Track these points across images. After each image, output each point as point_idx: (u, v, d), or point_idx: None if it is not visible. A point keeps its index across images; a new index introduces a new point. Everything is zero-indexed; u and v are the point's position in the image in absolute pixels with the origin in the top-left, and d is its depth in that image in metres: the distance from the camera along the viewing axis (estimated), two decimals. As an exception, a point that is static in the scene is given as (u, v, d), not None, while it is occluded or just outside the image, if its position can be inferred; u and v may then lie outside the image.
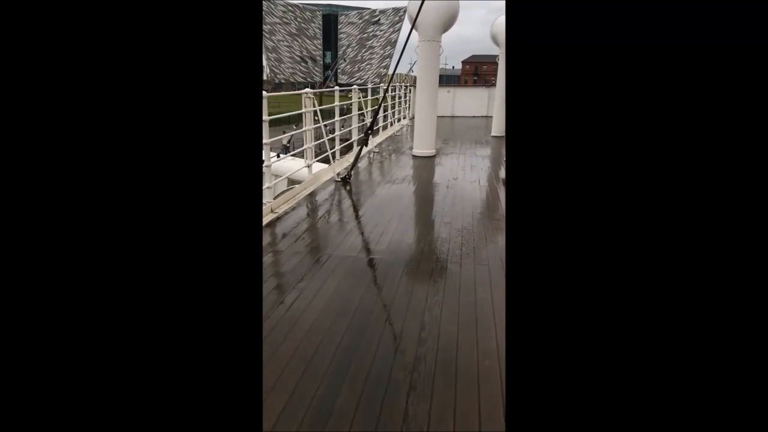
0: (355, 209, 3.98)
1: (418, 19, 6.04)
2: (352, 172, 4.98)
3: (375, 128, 9.02)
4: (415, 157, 6.49)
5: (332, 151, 5.92)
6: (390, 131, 9.61)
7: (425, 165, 5.96)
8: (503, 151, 7.22)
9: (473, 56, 66.52)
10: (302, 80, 53.49)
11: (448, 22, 6.07)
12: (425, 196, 4.38)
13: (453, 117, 13.85)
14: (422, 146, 6.55)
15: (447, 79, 60.98)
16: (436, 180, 5.07)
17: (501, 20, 8.49)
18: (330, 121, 5.86)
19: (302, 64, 55.68)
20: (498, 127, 9.11)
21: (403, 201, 4.15)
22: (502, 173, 5.38)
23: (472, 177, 5.20)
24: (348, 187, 4.69)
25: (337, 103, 5.83)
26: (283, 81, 52.07)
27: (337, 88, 6.41)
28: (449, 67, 70.22)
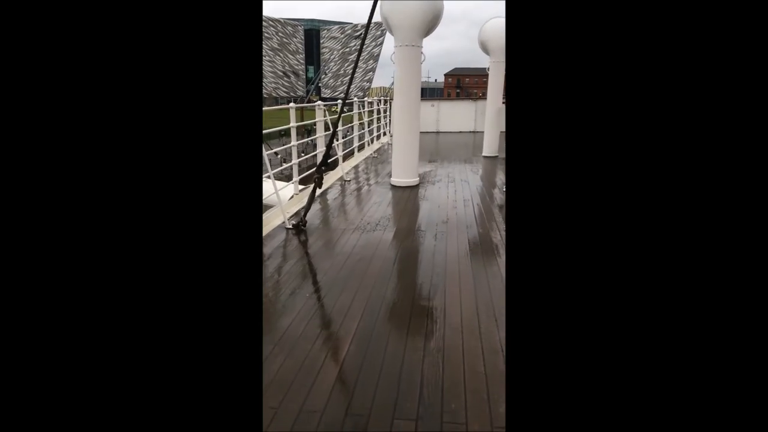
0: (311, 278, 2.76)
1: (394, 22, 4.94)
2: (306, 217, 3.74)
3: (350, 148, 7.92)
4: (394, 187, 5.33)
5: (294, 181, 4.73)
6: (368, 151, 8.47)
7: (406, 199, 4.79)
8: (502, 176, 6.08)
9: (456, 69, 66.60)
10: (285, 95, 52.59)
11: (431, 24, 4.97)
12: (406, 255, 3.15)
13: (438, 133, 12.79)
14: (402, 173, 5.38)
15: (430, 92, 60.75)
16: (420, 224, 3.87)
17: (490, 25, 7.46)
18: (294, 143, 4.74)
19: (285, 78, 54.89)
20: (490, 145, 7.99)
21: (374, 265, 2.92)
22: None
23: (467, 218, 4.02)
24: (302, 238, 3.48)
25: (293, 123, 4.65)
26: (266, 96, 51.11)
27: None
28: (432, 79, 70.23)
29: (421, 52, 5.07)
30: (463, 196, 4.86)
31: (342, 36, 62.74)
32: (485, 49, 7.64)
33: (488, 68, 7.74)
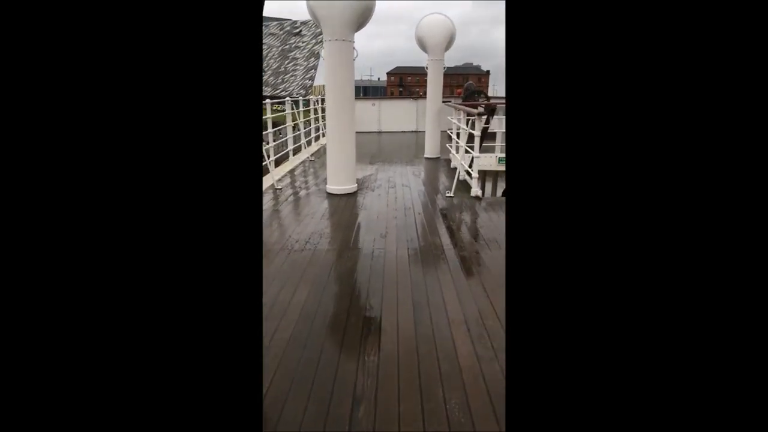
0: None
1: (322, 15, 4.49)
2: None
3: (285, 150, 7.34)
4: (330, 195, 4.89)
5: None
6: (305, 154, 7.95)
7: (342, 209, 4.37)
8: (444, 180, 5.82)
9: (398, 67, 67.00)
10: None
11: (362, 18, 4.59)
12: (338, 279, 2.75)
13: (380, 132, 12.48)
14: (339, 180, 4.96)
15: (374, 91, 60.62)
16: (356, 240, 3.48)
17: (426, 21, 7.21)
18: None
19: (220, 76, 52.15)
20: (432, 146, 7.75)
21: (299, 295, 2.49)
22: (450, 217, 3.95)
23: (408, 230, 3.68)
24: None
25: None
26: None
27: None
28: (375, 78, 70.24)
29: (354, 48, 4.67)
30: (404, 204, 4.52)
31: (281, 33, 60.75)
32: (422, 46, 7.38)
33: (426, 67, 7.49)
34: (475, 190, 4.83)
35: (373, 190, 5.18)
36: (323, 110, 9.92)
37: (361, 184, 5.49)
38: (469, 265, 2.92)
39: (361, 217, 4.07)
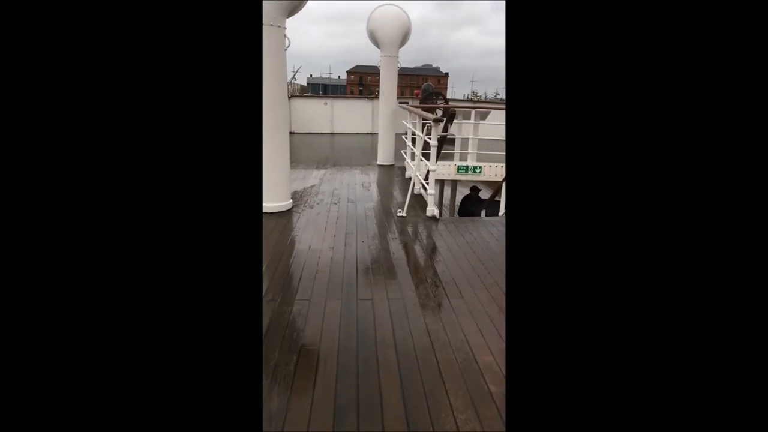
0: None
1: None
2: None
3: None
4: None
5: None
6: None
7: (268, 235, 3.53)
8: (398, 194, 5.07)
9: (357, 66, 66.16)
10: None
11: (294, 2, 3.76)
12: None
13: (333, 134, 11.63)
14: (269, 195, 4.09)
15: (333, 89, 59.46)
16: (277, 287, 2.66)
17: (379, 13, 6.45)
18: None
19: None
20: (385, 152, 6.99)
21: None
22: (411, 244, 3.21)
23: (346, 271, 2.90)
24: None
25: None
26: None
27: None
28: (335, 76, 69.09)
29: (285, 36, 3.84)
30: (345, 228, 3.73)
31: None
32: (375, 41, 6.62)
33: (379, 63, 6.74)
34: (431, 209, 4.13)
35: (312, 207, 4.36)
36: None
37: (299, 198, 4.67)
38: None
39: (295, 248, 3.26)
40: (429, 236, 3.61)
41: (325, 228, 3.72)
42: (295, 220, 3.96)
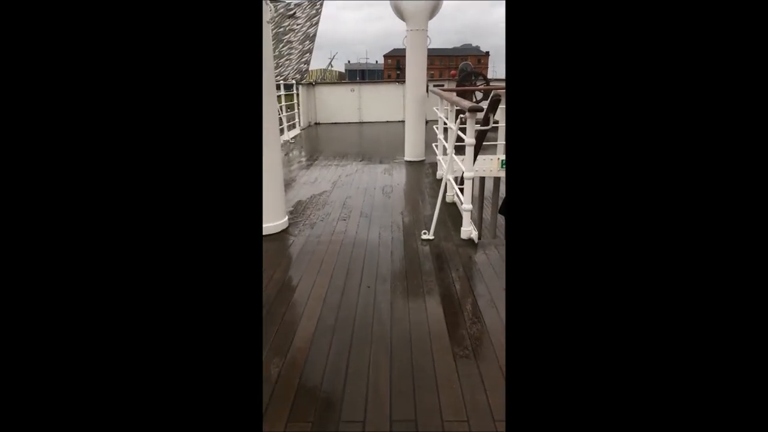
0: None
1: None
2: None
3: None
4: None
5: None
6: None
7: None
8: (424, 200, 4.01)
9: (395, 50, 64.48)
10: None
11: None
12: None
13: (361, 123, 10.64)
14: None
15: (370, 74, 58.17)
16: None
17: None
18: None
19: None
20: (414, 146, 5.91)
21: None
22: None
23: (342, 327, 1.94)
24: None
25: None
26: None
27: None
28: (372, 61, 67.75)
29: (269, 22, 2.86)
30: (347, 265, 2.75)
31: (275, 15, 57.94)
32: (399, 13, 5.51)
33: (405, 39, 5.63)
34: (468, 230, 3.06)
35: (312, 226, 3.41)
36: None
37: (301, 211, 3.75)
38: None
39: (274, 295, 2.32)
40: (465, 277, 2.55)
41: (321, 263, 2.75)
42: (286, 246, 3.03)
